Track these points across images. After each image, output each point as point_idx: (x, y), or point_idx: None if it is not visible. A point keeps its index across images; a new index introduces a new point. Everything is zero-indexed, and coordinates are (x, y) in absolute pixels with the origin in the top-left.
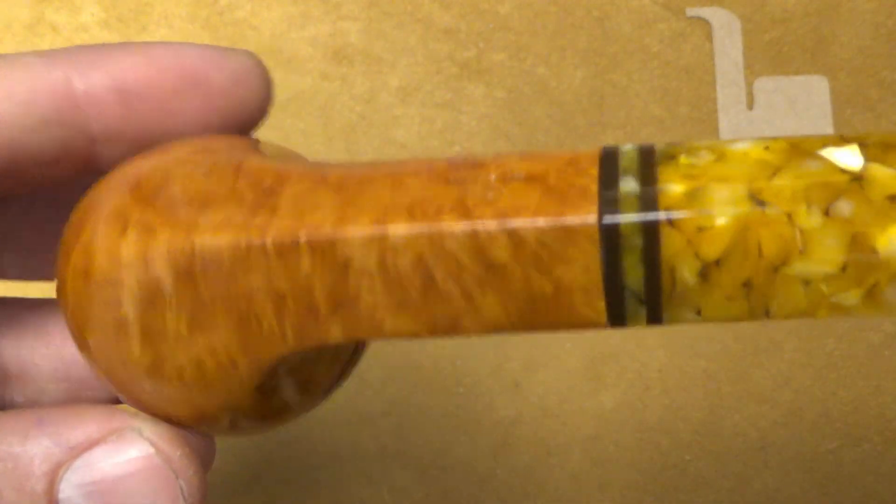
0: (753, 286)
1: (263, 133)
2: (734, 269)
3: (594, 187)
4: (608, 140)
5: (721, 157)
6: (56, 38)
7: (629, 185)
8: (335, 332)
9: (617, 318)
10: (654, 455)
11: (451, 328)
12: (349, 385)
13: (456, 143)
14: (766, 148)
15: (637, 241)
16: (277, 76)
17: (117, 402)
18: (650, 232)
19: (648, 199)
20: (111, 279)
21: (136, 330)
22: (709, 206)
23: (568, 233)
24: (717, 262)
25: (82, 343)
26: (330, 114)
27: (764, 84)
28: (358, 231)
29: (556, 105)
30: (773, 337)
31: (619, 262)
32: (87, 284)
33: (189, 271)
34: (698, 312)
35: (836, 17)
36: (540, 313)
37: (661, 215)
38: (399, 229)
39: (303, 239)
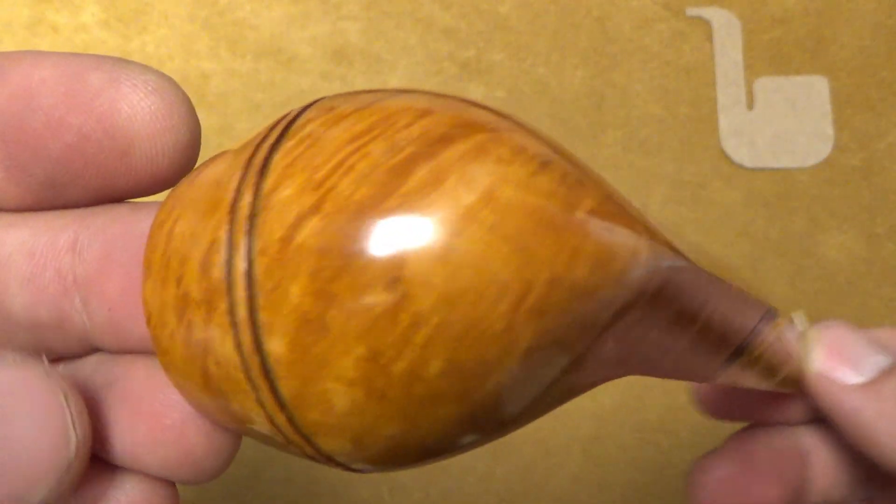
0: None
1: None
2: None
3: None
4: (608, 140)
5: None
6: (56, 38)
7: None
8: None
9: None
10: (654, 455)
11: None
12: None
13: None
14: None
15: None
16: (277, 76)
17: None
18: None
19: None
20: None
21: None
22: None
23: None
24: None
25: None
26: None
27: (764, 84)
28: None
29: (556, 105)
30: None
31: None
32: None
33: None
34: None
35: (836, 17)
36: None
37: None
38: None
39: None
